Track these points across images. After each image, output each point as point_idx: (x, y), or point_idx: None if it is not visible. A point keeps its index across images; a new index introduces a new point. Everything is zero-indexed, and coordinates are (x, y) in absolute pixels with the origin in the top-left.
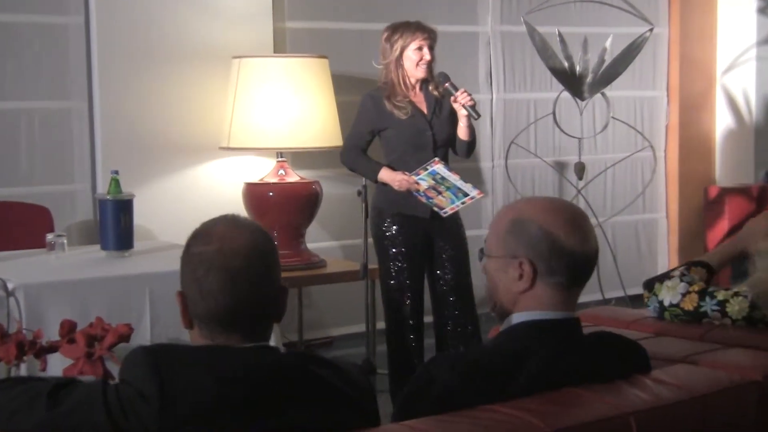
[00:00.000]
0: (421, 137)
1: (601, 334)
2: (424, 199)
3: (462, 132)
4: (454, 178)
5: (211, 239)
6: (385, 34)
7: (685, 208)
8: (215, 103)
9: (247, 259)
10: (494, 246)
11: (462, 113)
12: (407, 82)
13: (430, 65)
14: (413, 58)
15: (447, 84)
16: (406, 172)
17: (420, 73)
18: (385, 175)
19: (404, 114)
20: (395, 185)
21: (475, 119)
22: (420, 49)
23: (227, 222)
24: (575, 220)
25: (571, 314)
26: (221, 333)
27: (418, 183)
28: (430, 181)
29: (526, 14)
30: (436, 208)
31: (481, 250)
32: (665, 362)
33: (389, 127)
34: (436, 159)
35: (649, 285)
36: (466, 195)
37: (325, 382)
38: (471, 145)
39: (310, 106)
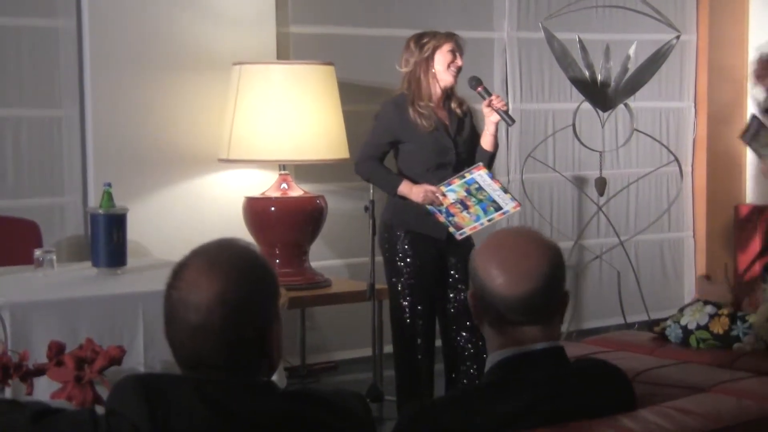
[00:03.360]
0: (445, 155)
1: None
2: (443, 217)
3: (487, 142)
4: (493, 188)
5: (180, 283)
6: (413, 39)
7: (713, 226)
8: (214, 112)
9: (208, 313)
10: None
11: (492, 119)
12: (433, 88)
13: (458, 73)
14: (445, 60)
15: (480, 88)
16: (431, 184)
17: (449, 77)
18: (406, 188)
19: (428, 124)
20: (419, 198)
21: (510, 125)
22: (452, 52)
23: (204, 260)
24: (508, 261)
25: (523, 349)
26: (192, 373)
27: (444, 195)
28: (461, 192)
29: (544, 20)
30: (452, 229)
31: None
32: (692, 390)
33: (411, 141)
34: (481, 164)
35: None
36: (497, 209)
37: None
38: (494, 157)
39: (315, 115)
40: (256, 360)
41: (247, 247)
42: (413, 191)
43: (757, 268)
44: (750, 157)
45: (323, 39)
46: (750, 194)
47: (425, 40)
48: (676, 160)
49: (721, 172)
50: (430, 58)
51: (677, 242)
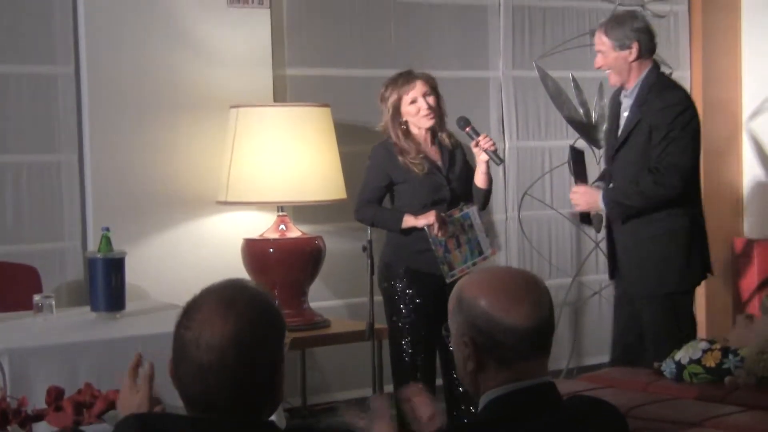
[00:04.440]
0: (439, 193)
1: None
2: (441, 251)
3: (480, 180)
4: (479, 228)
5: (192, 323)
6: (381, 91)
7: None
8: (212, 154)
9: (221, 353)
10: (450, 324)
11: (482, 158)
12: (410, 136)
13: (436, 112)
14: (411, 111)
15: (468, 129)
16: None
17: (426, 122)
18: (411, 218)
19: (420, 170)
20: (431, 218)
21: (498, 164)
22: (414, 101)
23: (217, 300)
24: (516, 293)
25: (518, 385)
26: (200, 413)
27: (451, 222)
28: (458, 225)
29: (538, 59)
30: (445, 267)
31: (446, 328)
32: (684, 426)
33: (404, 181)
34: (472, 201)
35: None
36: (480, 253)
37: None
38: (488, 194)
39: (312, 157)
40: (263, 400)
41: (259, 288)
42: (419, 218)
43: (756, 301)
44: (746, 189)
45: (319, 81)
46: (747, 228)
47: (386, 95)
48: None
49: (717, 206)
50: (395, 115)
51: None
